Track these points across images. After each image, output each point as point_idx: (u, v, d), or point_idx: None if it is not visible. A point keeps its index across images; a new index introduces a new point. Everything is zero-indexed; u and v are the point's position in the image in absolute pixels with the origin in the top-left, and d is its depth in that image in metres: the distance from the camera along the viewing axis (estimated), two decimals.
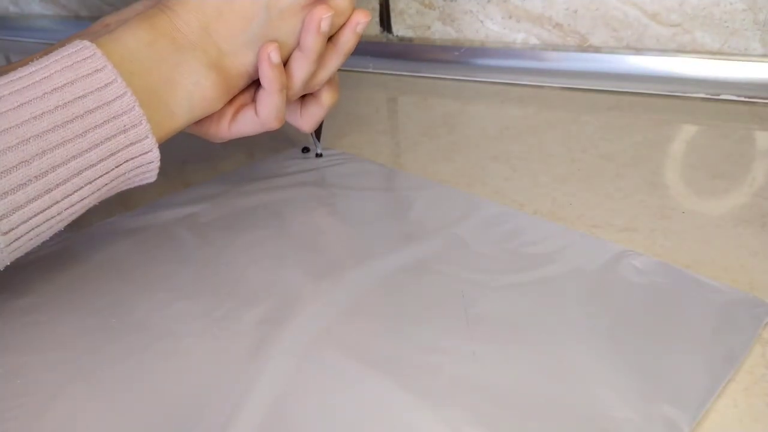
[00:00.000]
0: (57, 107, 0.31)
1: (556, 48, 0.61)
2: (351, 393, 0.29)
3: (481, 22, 0.63)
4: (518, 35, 0.62)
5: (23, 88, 0.31)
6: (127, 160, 0.34)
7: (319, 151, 0.51)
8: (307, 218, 0.42)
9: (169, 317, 0.34)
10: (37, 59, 0.33)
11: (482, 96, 0.59)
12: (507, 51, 0.63)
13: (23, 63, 0.42)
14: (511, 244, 0.38)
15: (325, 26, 0.39)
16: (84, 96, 0.32)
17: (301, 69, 0.41)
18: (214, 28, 0.37)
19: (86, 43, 0.33)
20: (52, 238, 0.35)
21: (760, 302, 0.32)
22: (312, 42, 0.39)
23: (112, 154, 0.33)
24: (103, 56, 0.33)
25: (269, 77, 0.39)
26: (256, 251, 0.39)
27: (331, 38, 0.41)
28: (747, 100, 0.52)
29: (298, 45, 0.40)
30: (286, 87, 0.40)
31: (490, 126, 0.53)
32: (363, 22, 0.40)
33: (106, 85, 0.32)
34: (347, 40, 0.41)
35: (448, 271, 0.36)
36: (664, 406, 0.27)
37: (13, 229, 0.30)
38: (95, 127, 0.32)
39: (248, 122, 0.41)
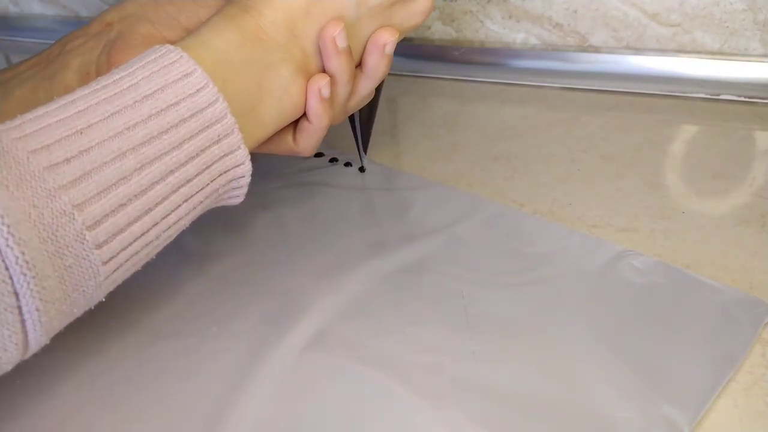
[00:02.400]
0: (150, 116, 0.28)
1: (556, 48, 0.61)
2: (351, 393, 0.29)
3: (481, 22, 0.63)
4: (518, 35, 0.62)
5: (111, 96, 0.28)
6: (220, 174, 0.31)
7: (363, 164, 0.47)
8: (306, 218, 0.42)
9: (168, 317, 0.34)
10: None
11: (482, 96, 0.59)
12: (507, 51, 0.63)
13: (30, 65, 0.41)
14: (511, 244, 0.38)
15: (389, 50, 0.36)
16: (176, 103, 0.29)
17: (364, 88, 0.38)
18: (300, 28, 0.34)
19: (170, 47, 0.30)
20: None
21: (760, 302, 0.32)
22: (377, 61, 0.37)
23: (207, 168, 0.30)
24: (191, 59, 0.30)
25: (318, 113, 0.35)
26: (255, 251, 0.39)
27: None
28: (747, 100, 0.52)
29: (359, 64, 0.37)
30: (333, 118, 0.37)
31: (490, 126, 0.53)
32: (390, 41, 0.36)
33: (197, 90, 0.29)
34: (376, 66, 0.37)
35: (448, 271, 0.36)
36: (664, 406, 0.27)
37: (113, 257, 0.27)
38: (190, 137, 0.29)
39: (281, 145, 0.38)
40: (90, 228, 0.25)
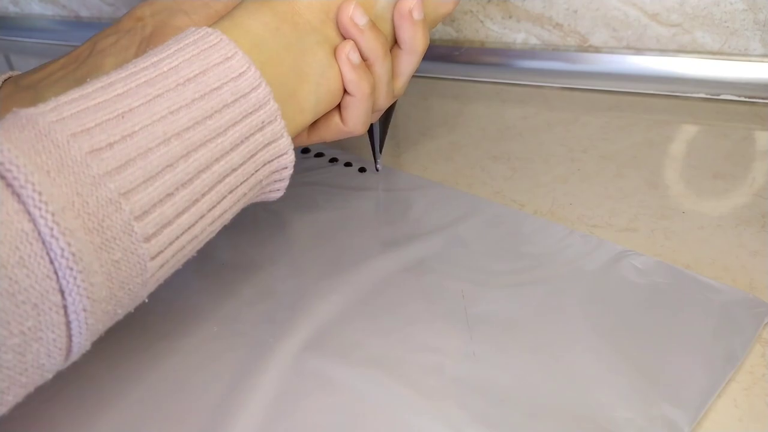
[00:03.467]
0: (194, 100, 0.26)
1: (556, 48, 0.61)
2: (351, 393, 0.29)
3: (481, 22, 0.63)
4: (518, 35, 0.62)
5: (152, 78, 0.26)
6: (264, 164, 0.29)
7: (378, 166, 0.46)
8: (307, 218, 0.42)
9: (169, 317, 0.34)
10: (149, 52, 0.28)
11: (482, 96, 0.59)
12: (507, 51, 0.63)
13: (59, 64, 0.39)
14: (511, 244, 0.38)
15: (417, 15, 0.35)
16: (219, 87, 0.27)
17: (407, 65, 0.37)
18: (334, 9, 0.33)
19: (208, 29, 0.29)
20: None
21: (760, 302, 0.32)
22: (410, 32, 0.35)
23: (251, 156, 0.29)
24: (231, 42, 0.28)
25: (354, 80, 0.34)
26: (255, 252, 0.39)
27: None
28: (747, 100, 0.52)
29: (395, 41, 0.36)
30: (374, 89, 0.35)
31: (490, 126, 0.53)
32: (415, 5, 0.35)
33: (240, 74, 0.28)
34: (412, 37, 0.35)
35: (448, 271, 0.36)
36: (664, 406, 0.27)
37: (161, 252, 0.25)
38: (234, 123, 0.27)
39: (330, 128, 0.36)
40: (138, 219, 0.24)
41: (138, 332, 0.33)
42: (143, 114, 0.25)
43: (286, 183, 0.32)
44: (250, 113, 0.28)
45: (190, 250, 0.28)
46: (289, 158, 0.30)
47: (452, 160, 0.48)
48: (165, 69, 0.27)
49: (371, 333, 0.32)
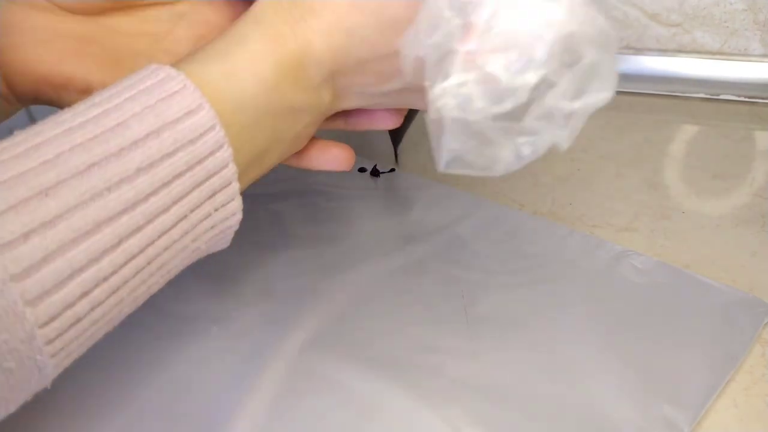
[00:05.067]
0: (139, 170, 0.22)
1: None
2: (351, 392, 0.29)
3: None
4: None
5: (91, 139, 0.22)
6: (206, 231, 0.25)
7: (397, 162, 0.45)
8: (306, 218, 0.42)
9: (168, 317, 0.34)
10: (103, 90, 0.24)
11: None
12: None
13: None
14: (511, 244, 0.38)
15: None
16: (173, 152, 0.23)
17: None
18: (348, 73, 0.28)
19: (170, 69, 0.24)
20: None
21: (760, 302, 0.32)
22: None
23: (192, 228, 0.24)
24: (196, 90, 0.23)
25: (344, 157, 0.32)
26: (255, 253, 0.39)
27: None
28: (747, 100, 0.52)
29: None
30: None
31: None
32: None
33: (200, 135, 0.23)
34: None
35: (448, 271, 0.36)
36: (664, 406, 0.27)
37: (64, 347, 0.21)
38: (181, 197, 0.23)
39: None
40: (43, 325, 0.20)
41: (137, 333, 0.33)
42: (74, 191, 0.21)
43: (230, 237, 0.28)
44: (203, 181, 0.24)
45: (101, 334, 0.23)
46: (237, 218, 0.26)
47: None
48: (110, 125, 0.22)
49: (371, 333, 0.32)
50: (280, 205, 0.43)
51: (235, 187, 0.25)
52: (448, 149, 0.23)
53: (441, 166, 0.24)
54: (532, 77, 0.22)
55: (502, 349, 0.31)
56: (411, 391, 0.29)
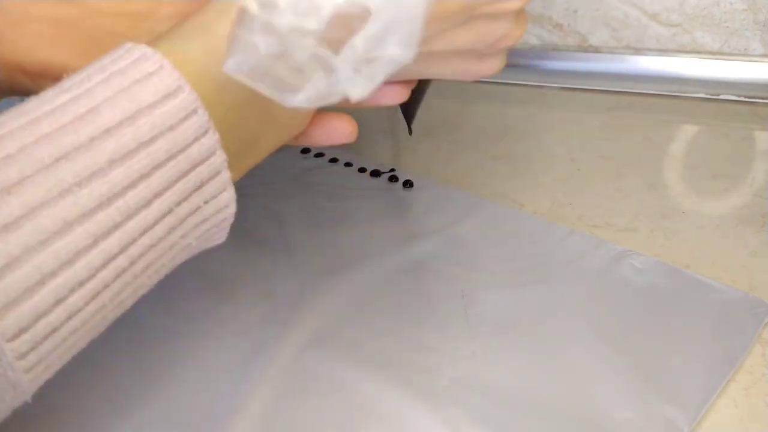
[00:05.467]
0: (112, 162, 0.20)
1: (556, 48, 0.61)
2: (351, 393, 0.29)
3: None
4: None
5: (58, 128, 0.20)
6: (196, 225, 0.23)
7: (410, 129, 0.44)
8: (306, 218, 0.42)
9: (168, 317, 0.34)
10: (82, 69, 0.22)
11: (483, 96, 0.58)
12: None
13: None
14: (511, 244, 0.38)
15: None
16: (151, 140, 0.21)
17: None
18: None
19: (147, 49, 0.22)
20: None
21: (760, 302, 0.32)
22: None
23: (180, 223, 0.23)
24: (174, 70, 0.22)
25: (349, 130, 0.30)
26: (255, 252, 0.39)
27: None
28: (747, 100, 0.52)
29: None
30: None
31: (490, 126, 0.53)
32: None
33: (181, 120, 0.21)
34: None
35: (448, 271, 0.36)
36: (664, 406, 0.27)
37: (35, 347, 0.19)
38: (164, 189, 0.21)
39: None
40: (12, 338, 0.18)
41: (137, 333, 0.33)
42: (38, 188, 0.19)
43: (225, 231, 0.26)
44: (188, 171, 0.22)
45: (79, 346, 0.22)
46: (230, 210, 0.24)
47: (452, 160, 0.48)
48: (80, 112, 0.20)
49: (371, 333, 0.32)
50: (280, 205, 0.43)
51: (226, 176, 0.23)
52: (245, 42, 0.19)
53: (228, 63, 0.20)
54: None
55: (502, 349, 0.31)
56: (411, 391, 0.29)
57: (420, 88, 0.38)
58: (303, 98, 0.19)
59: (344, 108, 0.30)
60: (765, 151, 0.46)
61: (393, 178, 0.45)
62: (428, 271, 0.36)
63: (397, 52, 0.19)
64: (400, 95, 0.32)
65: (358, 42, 0.18)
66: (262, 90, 0.19)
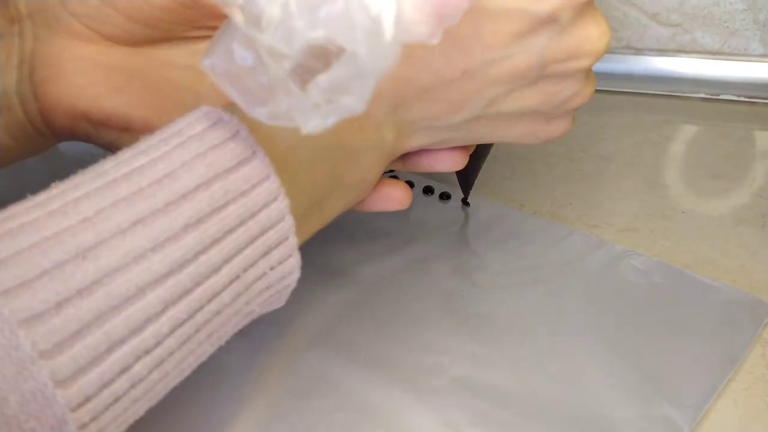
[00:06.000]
0: (187, 227, 0.20)
1: None
2: (351, 393, 0.29)
3: None
4: None
5: (132, 194, 0.19)
6: (260, 292, 0.23)
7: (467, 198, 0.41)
8: None
9: None
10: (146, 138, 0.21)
11: None
12: None
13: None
14: (511, 244, 0.38)
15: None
16: (224, 206, 0.21)
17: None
18: (411, 104, 0.26)
19: (223, 114, 0.22)
20: None
21: (760, 302, 0.32)
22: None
23: (246, 289, 0.22)
24: (251, 138, 0.21)
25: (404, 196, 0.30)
26: None
27: None
28: (747, 100, 0.52)
29: None
30: None
31: None
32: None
33: (253, 186, 0.21)
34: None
35: (448, 271, 0.36)
36: (664, 406, 0.27)
37: (96, 417, 0.18)
38: (231, 257, 0.21)
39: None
40: (76, 408, 0.18)
41: None
42: (114, 253, 0.18)
43: (286, 297, 0.25)
44: (257, 237, 0.22)
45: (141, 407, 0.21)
46: (294, 276, 0.24)
47: None
48: (157, 176, 0.20)
49: (371, 333, 0.32)
50: None
51: (293, 242, 0.23)
52: (224, 48, 0.19)
53: (205, 61, 0.19)
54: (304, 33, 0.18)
55: (502, 349, 0.31)
56: (411, 392, 0.29)
57: (479, 152, 0.36)
58: (265, 113, 0.19)
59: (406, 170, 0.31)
60: (765, 151, 0.46)
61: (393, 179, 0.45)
62: (428, 271, 0.36)
63: (351, 102, 0.18)
64: (457, 162, 0.30)
65: (323, 80, 0.18)
66: (231, 95, 0.19)
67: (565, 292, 0.34)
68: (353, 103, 0.18)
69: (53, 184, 0.20)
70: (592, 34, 0.26)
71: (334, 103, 0.18)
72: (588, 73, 0.28)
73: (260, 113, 0.19)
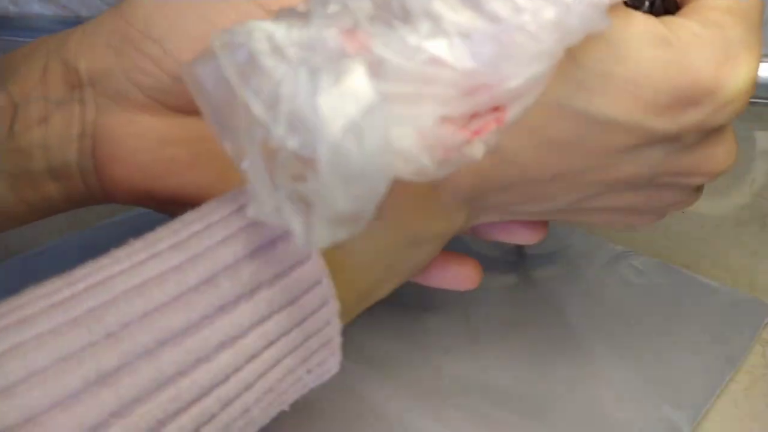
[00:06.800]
0: (234, 339, 0.18)
1: None
2: (350, 393, 0.29)
3: None
4: None
5: (177, 297, 0.17)
6: (297, 381, 0.21)
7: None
8: None
9: None
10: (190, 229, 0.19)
11: None
12: None
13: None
14: (511, 244, 0.38)
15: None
16: (270, 315, 0.19)
17: None
18: (489, 196, 0.23)
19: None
20: None
21: (760, 303, 0.32)
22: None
23: (281, 384, 0.20)
24: (326, 276, 0.19)
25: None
26: None
27: None
28: None
29: None
30: None
31: None
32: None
33: (306, 290, 0.19)
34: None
35: None
36: (664, 406, 0.27)
37: None
38: (278, 360, 0.19)
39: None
40: None
41: None
42: (134, 379, 0.16)
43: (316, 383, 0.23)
44: (299, 345, 0.20)
45: None
46: (332, 372, 0.22)
47: None
48: (195, 281, 0.17)
49: (371, 333, 0.32)
50: None
51: (336, 342, 0.21)
52: (208, 86, 0.17)
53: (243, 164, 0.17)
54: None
55: (502, 349, 0.31)
56: (410, 391, 0.29)
57: None
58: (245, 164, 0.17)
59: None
60: (765, 151, 0.46)
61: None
62: None
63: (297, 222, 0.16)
64: (535, 235, 0.27)
65: (290, 184, 0.16)
66: (208, 125, 0.18)
67: (565, 292, 0.34)
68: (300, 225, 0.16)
69: (67, 278, 0.17)
70: (717, 153, 0.22)
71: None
72: (700, 186, 0.24)
73: (236, 161, 0.18)
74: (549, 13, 0.16)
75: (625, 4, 0.20)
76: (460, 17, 0.16)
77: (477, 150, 0.17)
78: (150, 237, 0.19)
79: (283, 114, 0.15)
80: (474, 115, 0.17)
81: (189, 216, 0.19)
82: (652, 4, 0.22)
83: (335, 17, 0.16)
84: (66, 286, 0.17)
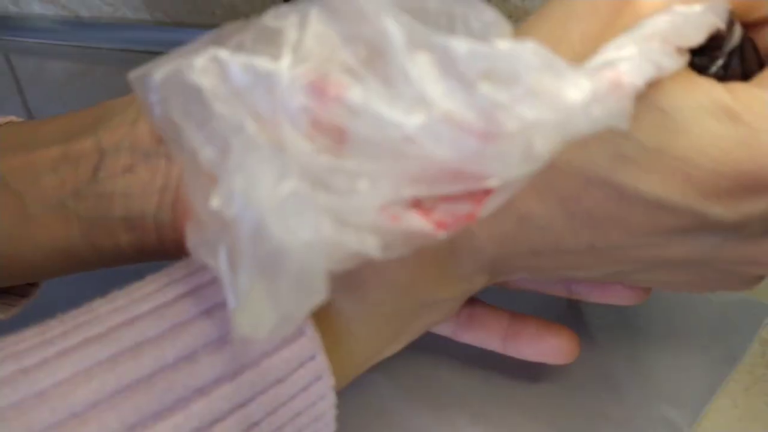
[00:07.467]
0: (236, 407, 0.17)
1: None
2: (350, 393, 0.29)
3: None
4: None
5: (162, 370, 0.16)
6: None
7: None
8: None
9: None
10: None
11: None
12: None
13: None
14: None
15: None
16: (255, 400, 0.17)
17: None
18: (514, 260, 0.21)
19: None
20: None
21: (759, 303, 0.32)
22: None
23: None
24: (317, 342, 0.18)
25: None
26: None
27: None
28: None
29: None
30: None
31: None
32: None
33: (300, 364, 0.18)
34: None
35: None
36: (664, 406, 0.27)
37: None
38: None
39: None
40: None
41: None
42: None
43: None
44: (286, 424, 0.18)
45: None
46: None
47: None
48: (172, 358, 0.16)
49: None
50: None
51: (330, 416, 0.20)
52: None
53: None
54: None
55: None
56: (410, 391, 0.29)
57: None
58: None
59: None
60: None
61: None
62: None
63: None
64: (635, 298, 0.26)
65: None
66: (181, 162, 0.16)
67: None
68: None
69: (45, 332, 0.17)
70: None
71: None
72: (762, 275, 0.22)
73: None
74: (550, 114, 0.14)
75: (692, 64, 0.17)
76: (449, 102, 0.14)
77: (440, 236, 0.15)
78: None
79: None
80: (444, 199, 0.15)
81: (158, 288, 0.18)
82: (726, 66, 0.18)
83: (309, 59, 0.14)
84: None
